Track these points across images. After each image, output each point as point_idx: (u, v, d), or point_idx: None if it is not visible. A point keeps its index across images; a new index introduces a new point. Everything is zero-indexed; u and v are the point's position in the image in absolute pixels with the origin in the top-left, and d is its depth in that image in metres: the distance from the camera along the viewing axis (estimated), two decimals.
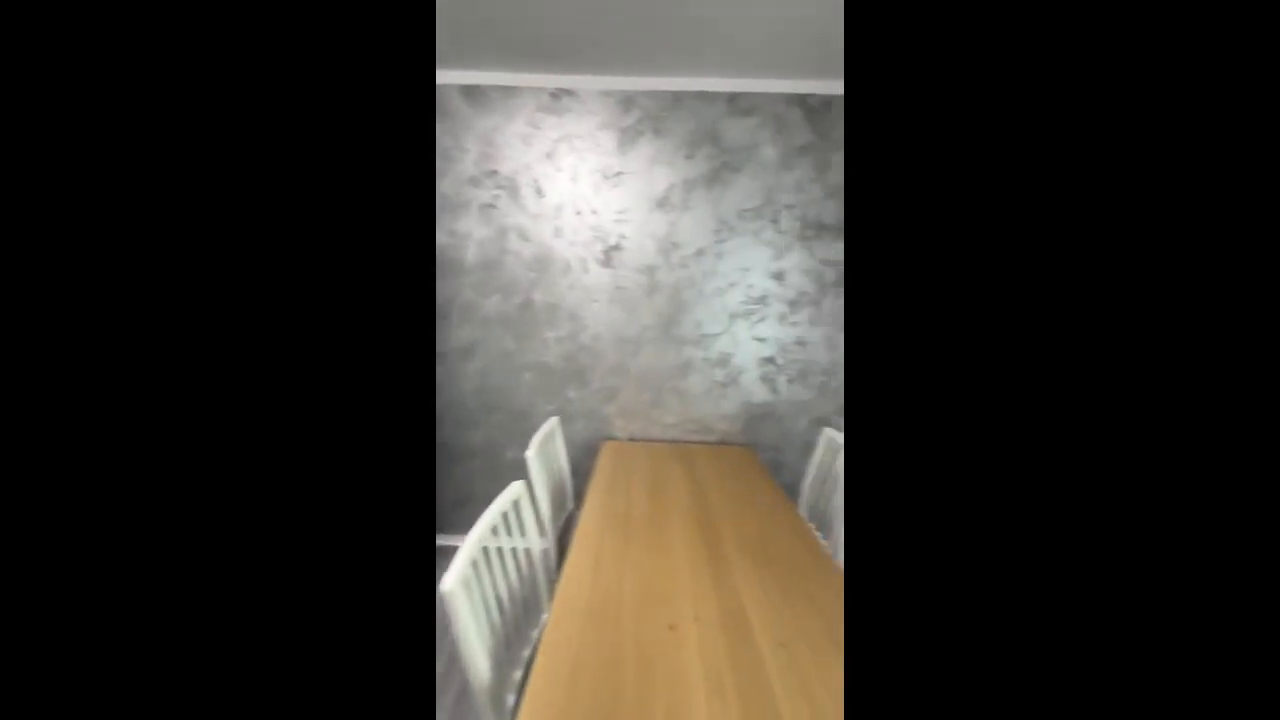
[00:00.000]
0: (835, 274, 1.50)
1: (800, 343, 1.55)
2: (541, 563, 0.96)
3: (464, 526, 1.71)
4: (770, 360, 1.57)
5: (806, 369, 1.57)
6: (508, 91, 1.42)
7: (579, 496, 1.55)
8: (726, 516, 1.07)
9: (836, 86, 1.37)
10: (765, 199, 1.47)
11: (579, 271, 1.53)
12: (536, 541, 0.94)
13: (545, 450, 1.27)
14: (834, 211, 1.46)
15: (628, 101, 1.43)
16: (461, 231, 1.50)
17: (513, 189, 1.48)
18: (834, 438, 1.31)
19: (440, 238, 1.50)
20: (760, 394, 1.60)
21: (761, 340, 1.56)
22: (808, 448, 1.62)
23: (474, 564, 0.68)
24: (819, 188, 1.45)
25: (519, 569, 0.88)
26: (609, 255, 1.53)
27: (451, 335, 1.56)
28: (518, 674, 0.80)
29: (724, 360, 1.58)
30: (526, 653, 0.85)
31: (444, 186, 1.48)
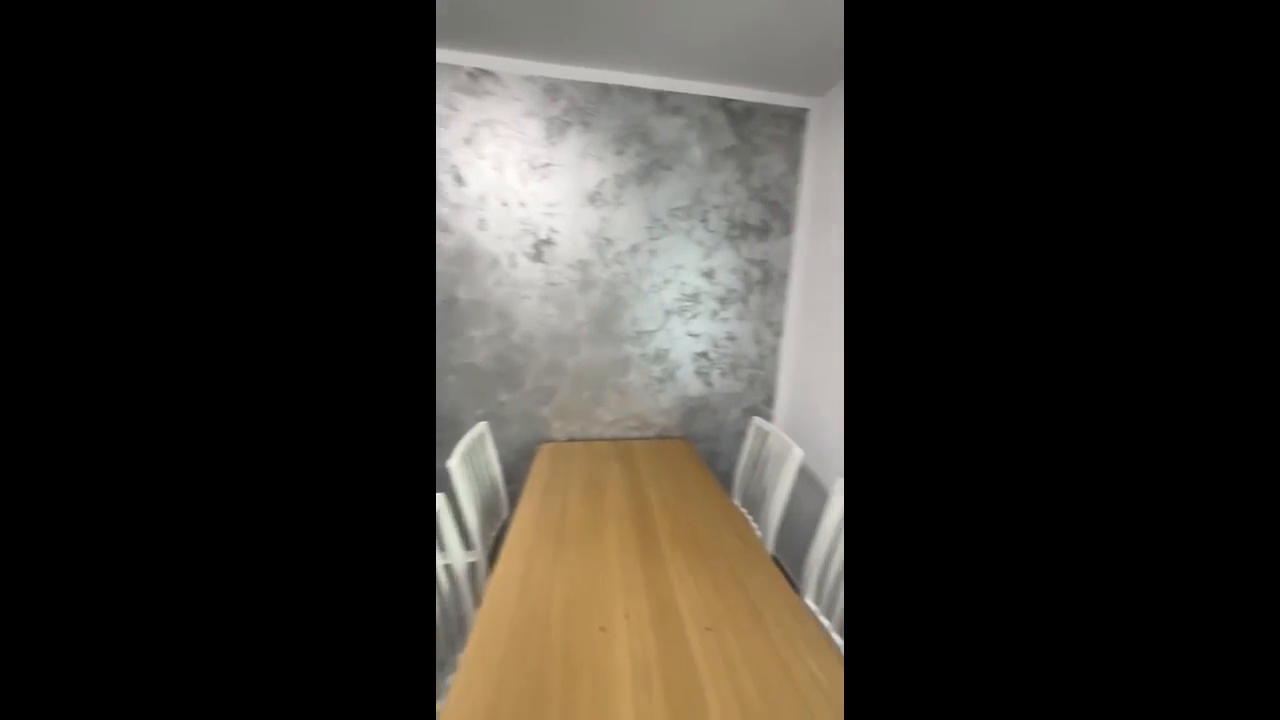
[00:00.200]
0: (760, 273, 1.60)
1: (731, 338, 1.63)
2: (467, 578, 0.89)
3: None
4: (704, 355, 1.63)
5: (737, 362, 1.65)
6: None
7: (515, 503, 1.47)
8: (662, 511, 1.09)
9: (755, 94, 1.45)
10: (694, 198, 1.51)
11: (507, 266, 1.45)
12: (460, 557, 0.88)
13: (473, 458, 1.18)
14: (757, 213, 1.55)
15: (554, 89, 1.38)
16: None
17: None
18: (761, 425, 1.40)
19: None
20: (696, 387, 1.65)
21: (695, 336, 1.61)
22: (740, 437, 1.71)
23: None
24: (743, 190, 1.53)
25: (439, 589, 0.81)
26: (540, 249, 1.46)
27: None
28: (441, 704, 0.74)
29: (661, 356, 1.60)
30: (451, 679, 0.78)
31: None
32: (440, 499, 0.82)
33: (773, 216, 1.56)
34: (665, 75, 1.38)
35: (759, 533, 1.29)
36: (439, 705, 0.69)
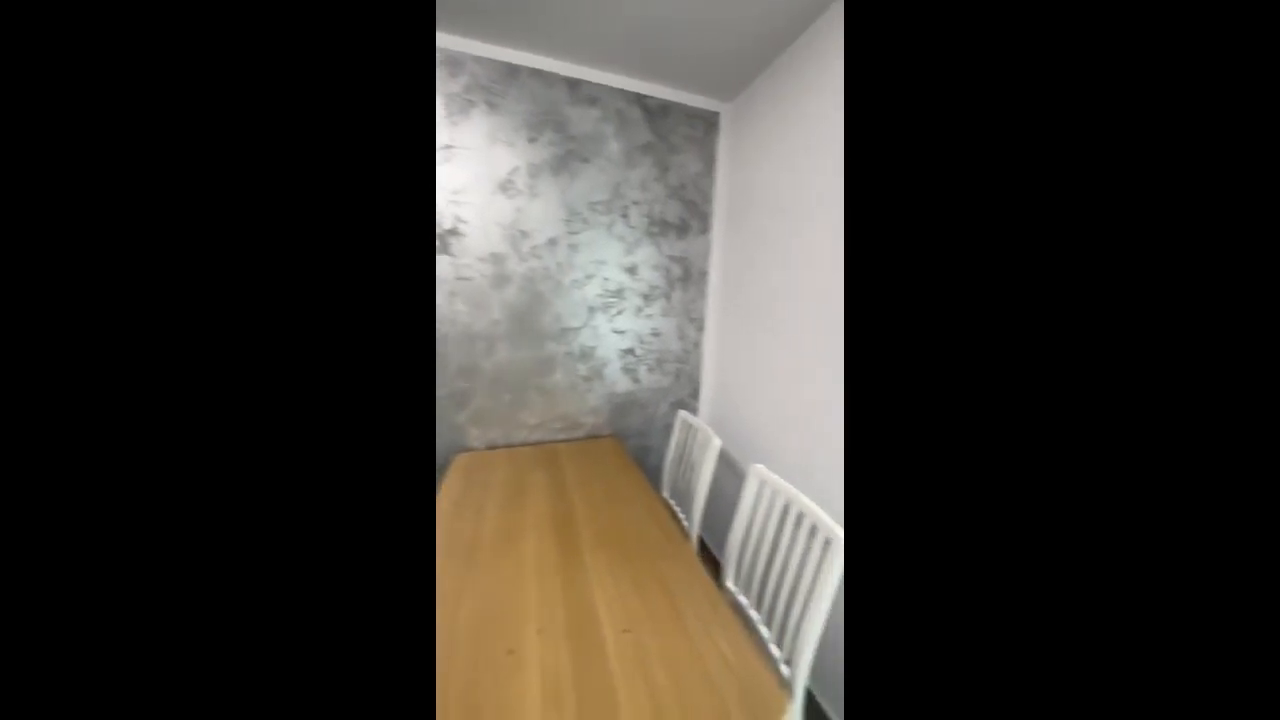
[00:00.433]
0: (681, 270, 1.64)
1: (656, 333, 1.65)
2: None
3: None
4: (630, 351, 1.63)
5: (663, 358, 1.68)
6: None
7: None
8: (587, 513, 1.06)
9: (669, 92, 1.47)
10: (614, 193, 1.49)
11: None
12: None
13: None
14: (676, 211, 1.58)
15: (454, 64, 1.25)
16: None
17: None
18: (686, 418, 1.44)
19: None
20: (623, 384, 1.64)
21: (621, 332, 1.60)
22: (669, 430, 1.75)
23: None
24: (662, 187, 1.54)
25: None
26: (446, 241, 1.33)
27: None
28: None
29: (587, 354, 1.56)
30: None
31: None
32: None
33: (691, 215, 1.61)
34: (577, 63, 1.34)
35: (686, 522, 1.33)
36: None
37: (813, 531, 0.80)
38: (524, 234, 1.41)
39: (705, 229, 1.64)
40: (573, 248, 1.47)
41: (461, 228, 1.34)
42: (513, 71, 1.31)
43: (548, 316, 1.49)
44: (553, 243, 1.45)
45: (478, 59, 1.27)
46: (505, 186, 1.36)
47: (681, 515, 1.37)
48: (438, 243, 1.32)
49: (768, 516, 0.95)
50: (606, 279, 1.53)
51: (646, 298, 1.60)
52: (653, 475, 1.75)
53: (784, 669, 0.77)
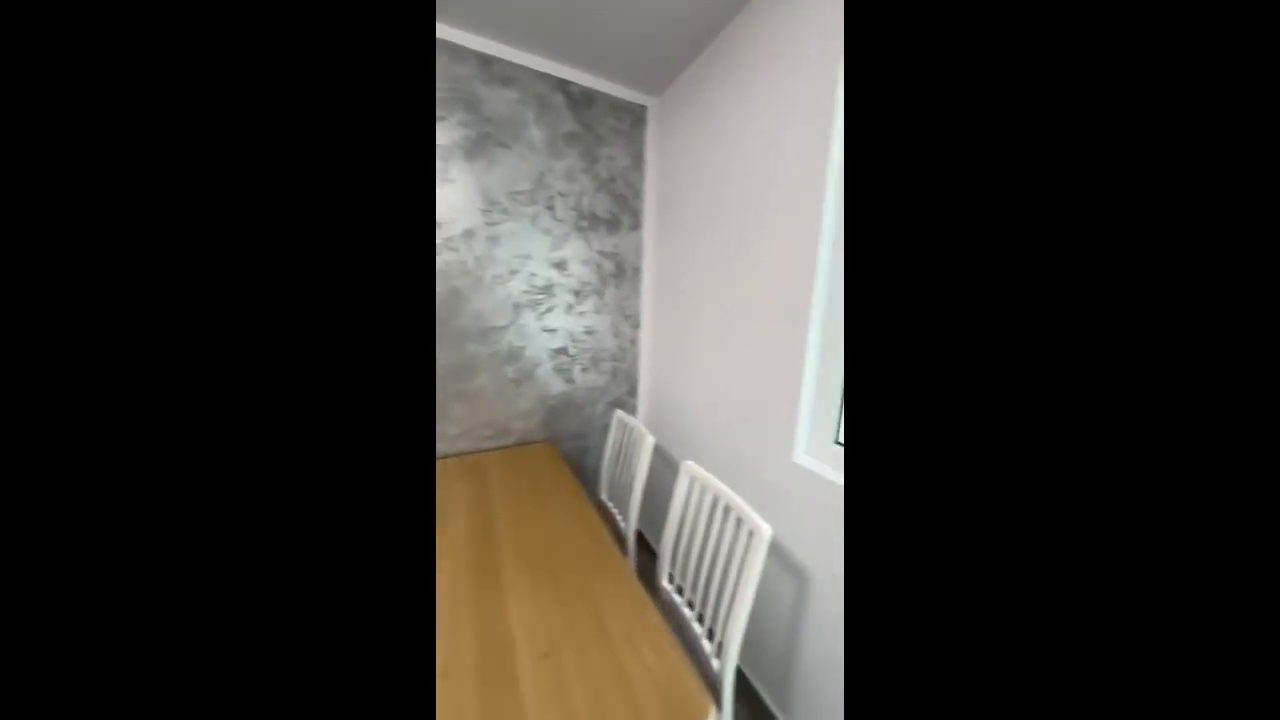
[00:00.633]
0: (613, 265, 1.60)
1: (589, 331, 1.59)
2: None
3: None
4: (563, 351, 1.55)
5: (598, 356, 1.63)
6: None
7: None
8: (511, 529, 0.98)
9: (593, 80, 1.42)
10: (537, 183, 1.40)
11: None
12: None
13: None
14: (605, 205, 1.54)
15: None
16: None
17: None
18: (621, 417, 1.40)
19: None
20: (557, 386, 1.57)
21: (552, 331, 1.52)
22: (607, 430, 1.71)
23: None
24: (590, 180, 1.49)
25: None
26: None
27: None
28: None
29: (515, 355, 1.46)
30: None
31: None
32: None
33: (621, 210, 1.57)
34: (489, 38, 1.23)
35: (623, 523, 1.30)
36: None
37: (739, 524, 0.81)
38: (437, 224, 1.27)
39: (637, 225, 1.62)
40: (493, 240, 1.36)
41: None
42: None
43: (467, 315, 1.36)
44: (469, 234, 1.32)
45: None
46: None
47: (619, 516, 1.34)
48: None
49: (699, 512, 0.95)
50: (533, 274, 1.44)
51: (578, 294, 1.54)
52: (591, 477, 1.69)
53: (715, 663, 0.77)
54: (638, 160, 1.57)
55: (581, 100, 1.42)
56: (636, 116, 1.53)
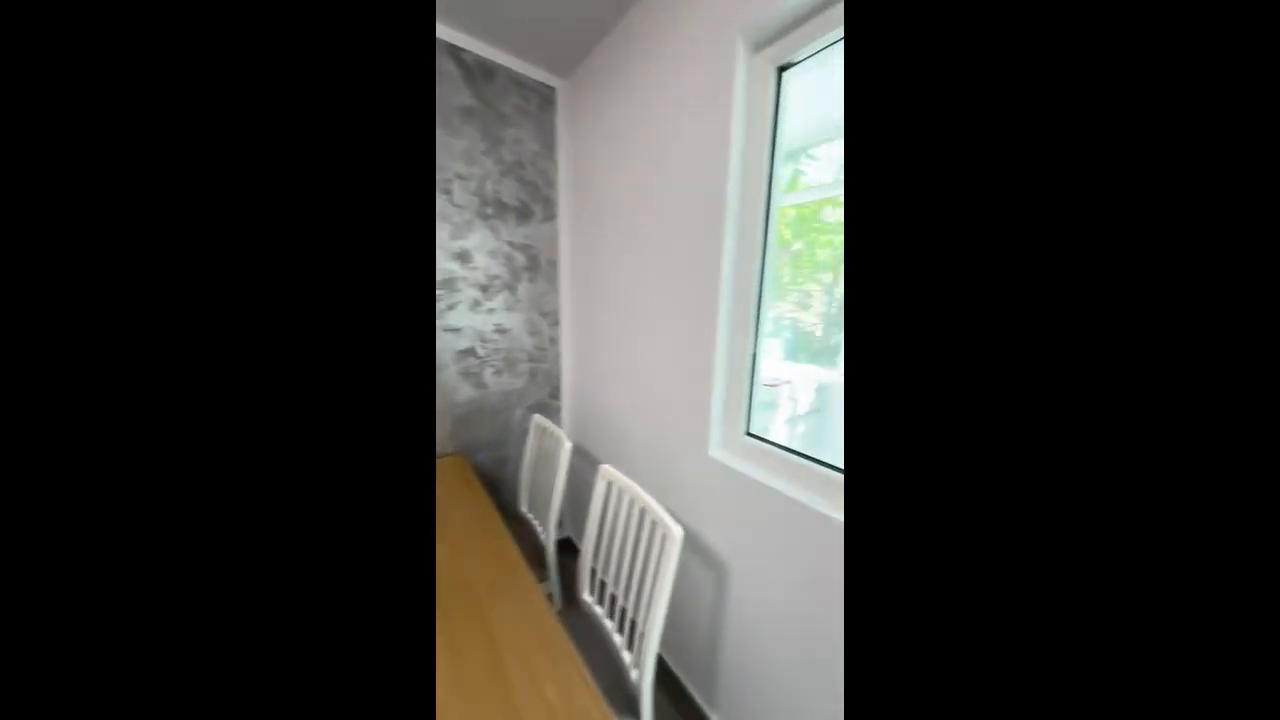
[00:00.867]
0: (526, 258, 1.48)
1: (501, 330, 1.46)
2: None
3: None
4: (470, 352, 1.40)
5: (512, 357, 1.51)
6: None
7: None
8: None
9: (489, 51, 1.28)
10: None
11: None
12: None
13: None
14: (514, 192, 1.41)
15: None
16: None
17: None
18: (540, 422, 1.31)
19: None
20: (465, 391, 1.41)
21: (456, 331, 1.36)
22: (527, 435, 1.59)
23: None
24: (493, 163, 1.35)
25: None
26: None
27: None
28: None
29: None
30: None
31: None
32: None
33: (532, 199, 1.46)
34: None
35: (542, 535, 1.21)
36: None
37: (654, 527, 0.78)
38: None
39: (551, 215, 1.51)
40: None
41: None
42: None
43: None
44: None
45: None
46: None
47: (539, 527, 1.25)
48: None
49: (616, 516, 0.91)
50: None
51: (485, 290, 1.40)
52: (511, 487, 1.57)
53: (633, 674, 0.74)
54: (549, 146, 1.46)
55: (479, 72, 1.27)
56: (544, 98, 1.42)
